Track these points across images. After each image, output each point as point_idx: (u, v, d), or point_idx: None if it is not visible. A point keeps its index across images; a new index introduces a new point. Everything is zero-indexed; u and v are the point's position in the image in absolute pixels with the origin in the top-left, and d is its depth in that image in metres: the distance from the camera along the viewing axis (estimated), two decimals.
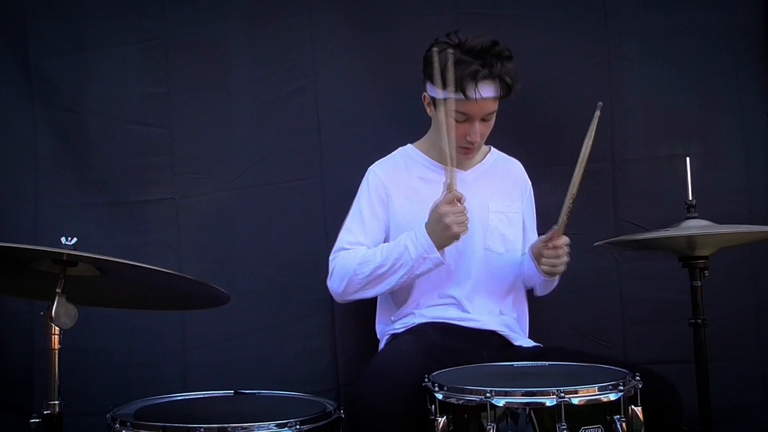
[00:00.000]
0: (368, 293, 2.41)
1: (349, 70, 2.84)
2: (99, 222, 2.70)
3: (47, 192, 2.69)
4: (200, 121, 2.78)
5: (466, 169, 2.54)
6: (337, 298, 2.47)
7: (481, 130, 2.41)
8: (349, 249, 2.45)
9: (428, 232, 2.30)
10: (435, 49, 2.33)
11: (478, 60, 2.31)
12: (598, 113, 2.25)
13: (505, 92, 2.38)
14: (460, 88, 2.31)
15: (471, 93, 2.31)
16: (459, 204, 2.27)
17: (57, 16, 2.71)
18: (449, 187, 2.29)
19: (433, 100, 2.43)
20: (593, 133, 2.25)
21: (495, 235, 2.51)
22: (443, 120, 2.35)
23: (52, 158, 2.70)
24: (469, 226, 2.34)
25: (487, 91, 2.34)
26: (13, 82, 2.70)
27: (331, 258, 2.48)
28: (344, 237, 2.49)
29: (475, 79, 2.30)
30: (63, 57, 2.72)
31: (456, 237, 2.27)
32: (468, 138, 2.40)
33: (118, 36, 2.73)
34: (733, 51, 2.87)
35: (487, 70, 2.31)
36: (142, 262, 1.68)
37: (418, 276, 2.35)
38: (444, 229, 2.25)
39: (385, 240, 2.50)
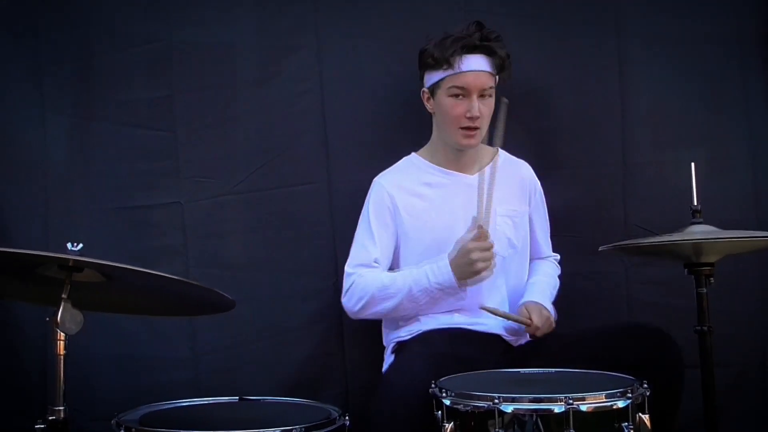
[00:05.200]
0: (383, 315, 2.48)
1: (356, 73, 2.81)
2: (106, 227, 2.67)
3: (57, 198, 2.67)
4: (204, 123, 2.75)
5: (473, 173, 2.53)
6: (351, 316, 2.50)
7: (480, 108, 2.42)
8: (364, 267, 2.46)
9: (451, 266, 2.32)
10: (435, 39, 2.44)
11: (463, 38, 2.40)
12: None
13: (498, 67, 2.43)
14: (451, 60, 2.39)
15: (458, 62, 2.39)
16: (487, 240, 2.29)
17: (67, 22, 2.69)
18: (478, 223, 2.30)
19: (430, 91, 2.47)
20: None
21: (502, 239, 2.50)
22: (442, 103, 2.40)
23: (61, 164, 2.69)
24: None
25: (477, 62, 2.41)
26: (23, 89, 2.69)
27: (346, 274, 2.48)
28: (358, 253, 2.49)
29: (457, 46, 2.39)
30: (71, 63, 2.70)
31: (478, 274, 2.30)
32: (468, 114, 2.41)
33: (124, 39, 2.71)
34: (740, 57, 2.86)
35: (470, 39, 2.40)
36: (149, 268, 1.68)
37: (438, 304, 2.40)
38: (468, 265, 2.29)
39: (395, 249, 2.51)
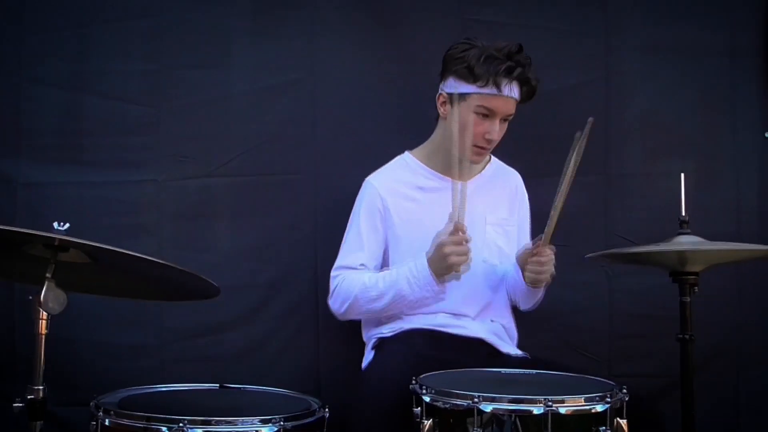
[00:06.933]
0: (370, 315, 2.48)
1: (347, 67, 2.80)
2: (85, 202, 2.65)
3: (32, 170, 2.64)
4: (190, 101, 2.72)
5: (466, 180, 2.52)
6: (339, 318, 2.50)
7: (498, 131, 2.41)
8: (348, 269, 2.45)
9: (428, 262, 2.30)
10: (462, 45, 2.37)
11: (509, 59, 2.34)
12: (588, 128, 2.25)
13: (528, 96, 2.42)
14: (494, 82, 2.32)
15: (505, 88, 2.34)
16: (462, 234, 2.25)
17: None
18: (453, 219, 2.28)
19: (450, 97, 2.41)
20: (582, 146, 2.25)
21: (492, 247, 2.51)
22: (464, 116, 2.36)
23: (41, 135, 2.65)
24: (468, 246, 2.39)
25: (514, 88, 2.38)
26: (4, 57, 2.64)
27: (332, 276, 2.48)
28: (344, 255, 2.48)
29: (510, 75, 2.34)
30: (56, 32, 2.66)
31: (454, 269, 2.26)
32: (486, 136, 2.39)
33: (112, 11, 2.68)
34: (732, 70, 2.89)
35: (520, 69, 2.35)
36: (120, 246, 1.67)
37: (420, 303, 2.37)
38: (441, 259, 2.25)
39: (385, 252, 2.49)
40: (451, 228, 2.26)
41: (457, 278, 2.32)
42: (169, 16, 2.71)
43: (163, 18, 2.70)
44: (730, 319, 2.87)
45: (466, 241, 2.25)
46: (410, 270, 2.34)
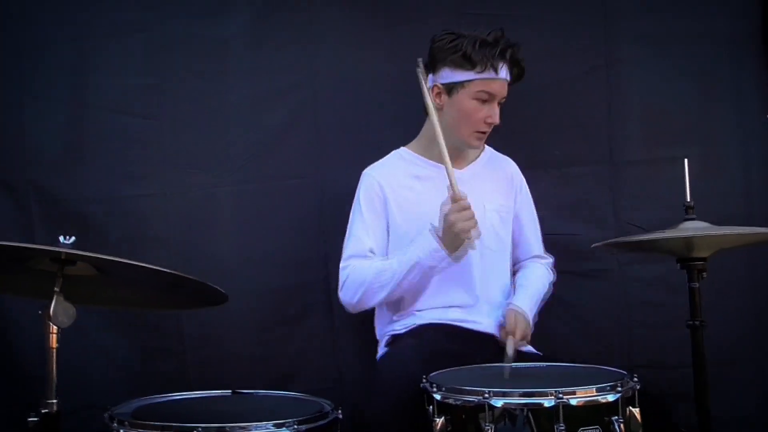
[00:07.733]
0: (383, 300, 2.45)
1: (348, 68, 2.82)
2: (91, 217, 2.68)
3: (40, 185, 2.67)
4: (193, 113, 2.75)
5: (461, 168, 2.56)
6: (350, 309, 2.49)
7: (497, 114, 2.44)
8: (357, 258, 2.45)
9: (440, 240, 2.31)
10: (449, 36, 2.41)
11: (499, 43, 2.38)
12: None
13: (518, 77, 2.46)
14: (491, 65, 2.37)
15: (501, 70, 2.38)
16: (462, 201, 2.27)
17: (55, 5, 2.69)
18: (452, 189, 2.30)
19: (447, 88, 2.44)
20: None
21: (491, 233, 2.52)
22: (464, 103, 2.40)
23: (45, 150, 2.68)
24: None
25: (508, 71, 2.43)
26: (6, 72, 2.68)
27: (342, 267, 2.48)
28: (352, 245, 2.49)
29: (504, 57, 2.38)
30: (58, 47, 2.69)
31: (463, 236, 2.28)
32: (488, 120, 2.43)
33: (114, 25, 2.71)
34: (732, 55, 2.88)
35: (512, 50, 2.40)
36: (132, 259, 1.68)
37: (433, 271, 2.37)
38: (449, 229, 2.28)
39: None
40: (455, 205, 2.28)
41: (473, 247, 2.33)
42: (168, 28, 2.73)
43: (162, 30, 2.73)
44: (750, 307, 2.85)
45: (468, 207, 2.27)
46: (422, 249, 2.34)
